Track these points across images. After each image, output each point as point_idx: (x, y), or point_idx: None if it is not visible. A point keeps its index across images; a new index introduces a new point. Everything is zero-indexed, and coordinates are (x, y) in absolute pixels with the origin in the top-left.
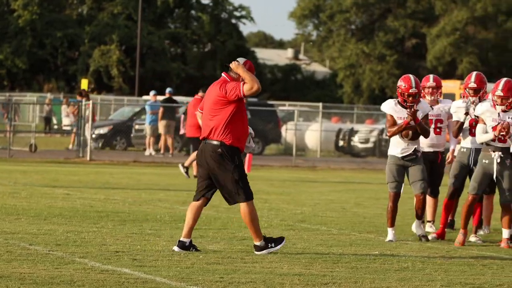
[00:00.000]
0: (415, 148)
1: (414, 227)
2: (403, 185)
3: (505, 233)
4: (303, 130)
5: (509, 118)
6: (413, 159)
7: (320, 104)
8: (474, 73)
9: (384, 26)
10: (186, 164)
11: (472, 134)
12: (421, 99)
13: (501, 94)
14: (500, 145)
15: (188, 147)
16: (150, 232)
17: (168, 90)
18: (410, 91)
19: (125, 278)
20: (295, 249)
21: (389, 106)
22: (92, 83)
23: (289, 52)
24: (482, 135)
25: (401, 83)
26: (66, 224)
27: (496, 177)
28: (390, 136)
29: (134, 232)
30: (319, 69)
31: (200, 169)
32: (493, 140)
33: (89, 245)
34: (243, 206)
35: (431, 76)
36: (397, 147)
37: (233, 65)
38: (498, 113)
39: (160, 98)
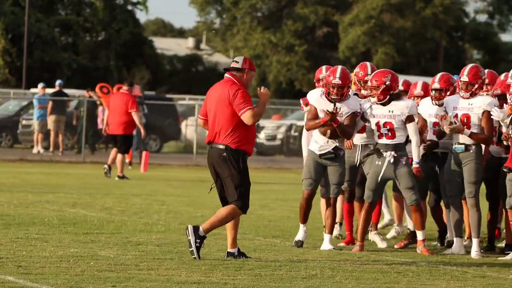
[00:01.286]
0: (335, 147)
1: (324, 244)
2: (319, 184)
3: (420, 235)
4: None
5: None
6: (331, 158)
7: None
8: (368, 64)
9: (293, 14)
10: (119, 174)
11: (361, 130)
12: (352, 95)
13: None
14: (389, 141)
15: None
16: (37, 237)
17: (58, 82)
18: (333, 81)
19: (9, 287)
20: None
21: (314, 97)
22: None
23: (190, 41)
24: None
25: (327, 73)
26: None
27: (393, 178)
28: (307, 130)
29: (20, 236)
30: (223, 60)
31: (212, 175)
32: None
33: None
34: (231, 207)
35: (324, 67)
36: (317, 143)
37: (263, 90)
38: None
39: (50, 91)
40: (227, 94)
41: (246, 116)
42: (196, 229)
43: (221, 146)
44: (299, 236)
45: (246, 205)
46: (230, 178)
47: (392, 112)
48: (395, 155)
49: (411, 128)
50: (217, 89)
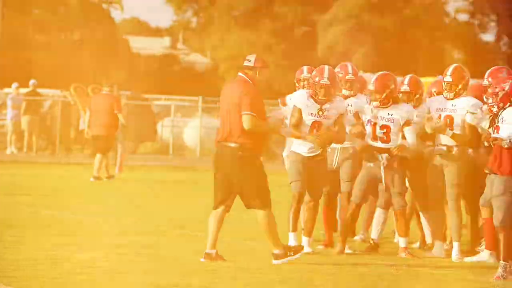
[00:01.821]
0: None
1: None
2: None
3: (402, 242)
4: (181, 126)
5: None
6: (320, 160)
7: (200, 98)
8: (349, 64)
9: (271, 12)
10: (95, 173)
11: None
12: (338, 96)
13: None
14: (384, 145)
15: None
16: (11, 239)
17: (31, 82)
18: (321, 82)
19: None
20: (172, 258)
21: (300, 99)
22: None
23: (166, 40)
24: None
25: (314, 73)
26: None
27: (387, 182)
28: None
29: None
30: (199, 59)
31: (217, 173)
32: (374, 139)
33: None
34: (260, 214)
35: (305, 67)
36: (304, 145)
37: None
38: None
39: (23, 90)
40: (239, 93)
41: (245, 119)
42: (277, 256)
43: (235, 145)
44: (291, 243)
45: (267, 202)
46: (249, 177)
47: (392, 115)
48: (389, 158)
49: (408, 130)
50: (230, 88)
